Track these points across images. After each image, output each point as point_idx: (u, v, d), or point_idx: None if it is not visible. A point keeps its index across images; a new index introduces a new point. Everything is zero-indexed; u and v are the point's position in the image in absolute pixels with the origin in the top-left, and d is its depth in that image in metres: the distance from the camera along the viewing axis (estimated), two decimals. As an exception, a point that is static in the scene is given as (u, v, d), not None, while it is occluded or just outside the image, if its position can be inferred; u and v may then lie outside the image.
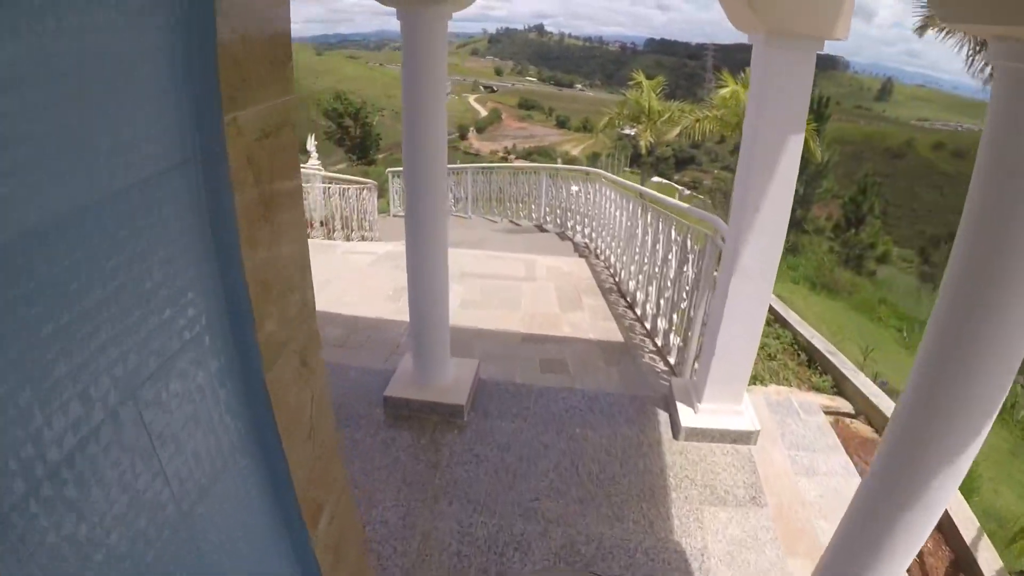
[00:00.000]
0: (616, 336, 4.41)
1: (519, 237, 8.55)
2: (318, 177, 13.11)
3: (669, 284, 4.07)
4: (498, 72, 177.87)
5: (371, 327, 4.38)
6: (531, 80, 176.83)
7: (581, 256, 7.00)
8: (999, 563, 2.51)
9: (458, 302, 4.95)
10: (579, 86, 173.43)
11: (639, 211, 5.06)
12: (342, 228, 9.03)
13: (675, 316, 3.93)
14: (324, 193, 9.40)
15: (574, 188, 8.34)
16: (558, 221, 8.93)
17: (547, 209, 9.26)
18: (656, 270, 4.41)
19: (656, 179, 35.01)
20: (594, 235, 7.36)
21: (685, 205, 4.35)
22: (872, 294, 16.77)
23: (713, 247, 3.22)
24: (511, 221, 10.06)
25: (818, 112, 20.52)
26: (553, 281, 5.75)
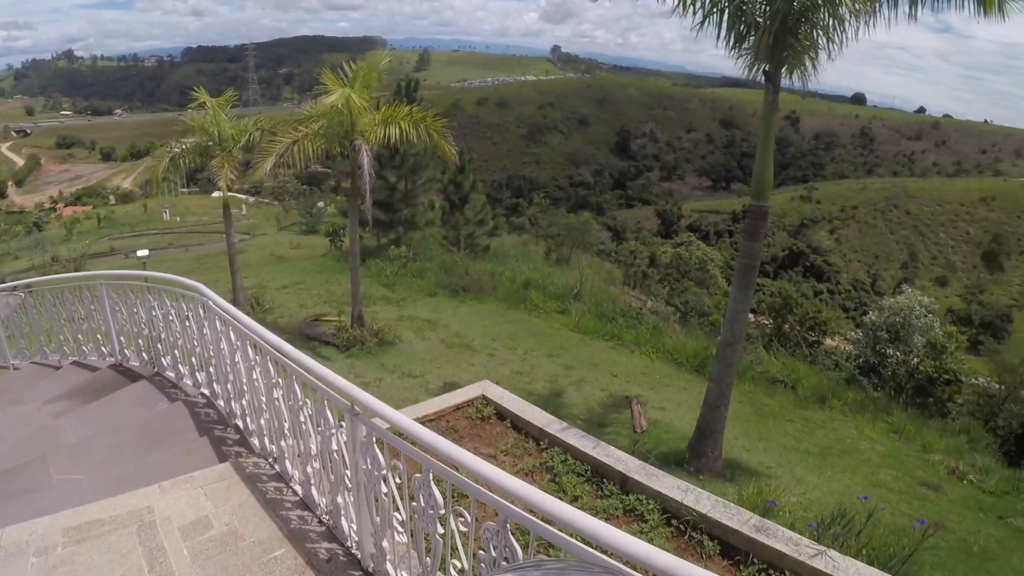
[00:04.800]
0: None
1: (94, 416, 5.34)
2: None
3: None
4: (29, 112, 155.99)
5: None
6: (66, 114, 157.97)
7: (225, 453, 4.30)
8: None
9: None
10: (119, 111, 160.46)
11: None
12: None
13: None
14: None
15: (156, 312, 5.60)
16: (144, 356, 6.06)
17: (123, 340, 6.21)
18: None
19: (216, 194, 28.94)
20: (218, 387, 4.83)
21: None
22: (514, 288, 15.28)
23: None
24: (78, 363, 6.61)
25: (408, 96, 18.82)
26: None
